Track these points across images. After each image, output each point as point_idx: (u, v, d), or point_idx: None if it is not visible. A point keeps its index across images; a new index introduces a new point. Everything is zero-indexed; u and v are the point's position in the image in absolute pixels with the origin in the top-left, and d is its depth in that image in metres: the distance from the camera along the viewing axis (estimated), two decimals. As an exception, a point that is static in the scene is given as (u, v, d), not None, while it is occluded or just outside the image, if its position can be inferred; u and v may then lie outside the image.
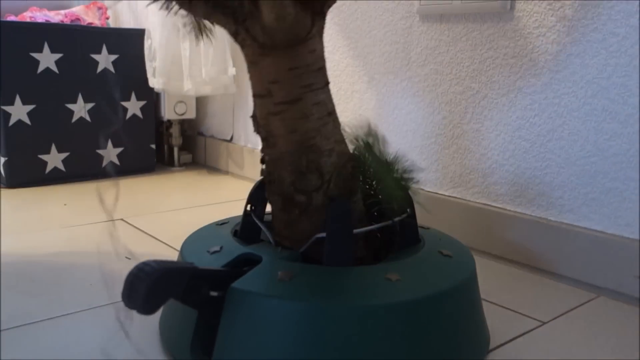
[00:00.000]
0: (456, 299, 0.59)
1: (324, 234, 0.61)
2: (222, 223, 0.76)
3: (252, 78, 0.61)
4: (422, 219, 1.09)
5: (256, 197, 0.69)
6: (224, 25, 0.59)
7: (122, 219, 1.14)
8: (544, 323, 0.74)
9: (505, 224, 0.96)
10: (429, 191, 1.08)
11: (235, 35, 0.59)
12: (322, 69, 0.61)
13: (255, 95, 0.61)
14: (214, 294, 0.55)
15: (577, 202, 0.88)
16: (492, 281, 0.88)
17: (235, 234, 0.70)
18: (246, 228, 0.69)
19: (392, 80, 1.13)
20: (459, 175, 1.04)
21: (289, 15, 0.53)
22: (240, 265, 0.61)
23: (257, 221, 0.69)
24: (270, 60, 0.57)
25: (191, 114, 1.65)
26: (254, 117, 0.64)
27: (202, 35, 0.69)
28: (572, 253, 0.88)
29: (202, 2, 0.57)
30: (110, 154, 1.51)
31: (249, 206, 0.70)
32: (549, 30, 0.88)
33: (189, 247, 0.67)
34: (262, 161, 0.66)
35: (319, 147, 0.60)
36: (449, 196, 1.05)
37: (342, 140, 0.64)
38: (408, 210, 0.69)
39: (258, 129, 0.63)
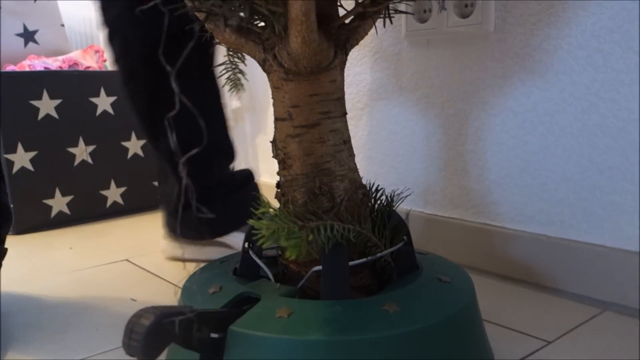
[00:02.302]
0: (455, 327, 0.59)
1: (316, 268, 0.61)
2: (222, 261, 0.76)
3: (275, 102, 0.65)
4: (423, 241, 1.09)
5: (254, 233, 0.70)
6: (254, 54, 0.63)
7: (126, 260, 1.15)
8: (549, 342, 0.74)
9: (506, 242, 0.96)
10: (429, 213, 1.09)
11: (263, 62, 0.63)
12: (340, 99, 0.65)
13: (276, 119, 0.65)
14: (214, 335, 0.56)
15: (577, 218, 0.88)
16: (494, 301, 0.88)
17: (235, 271, 0.71)
18: (245, 265, 0.70)
19: (385, 105, 1.14)
20: (457, 197, 1.04)
21: (314, 42, 0.56)
22: (240, 304, 0.61)
23: (255, 258, 0.69)
24: (293, 85, 0.62)
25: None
26: (273, 141, 0.67)
27: (237, 88, 0.78)
28: (574, 269, 0.88)
29: (235, 34, 0.62)
30: (114, 194, 1.53)
31: (247, 243, 0.70)
32: (535, 49, 0.89)
33: (189, 288, 0.68)
34: (278, 185, 0.68)
35: (332, 171, 0.64)
36: (449, 217, 1.06)
37: (354, 169, 0.67)
38: (404, 238, 0.69)
39: (276, 152, 0.66)
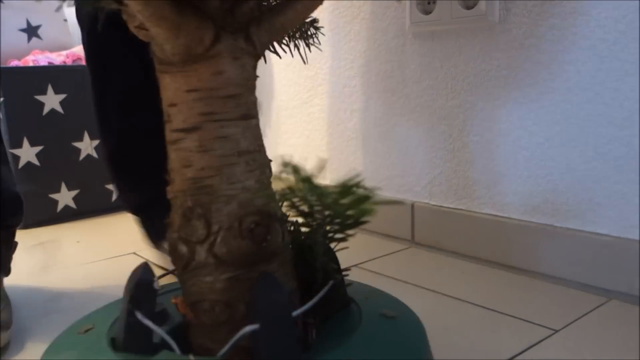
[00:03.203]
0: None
1: (249, 328, 0.46)
2: (87, 329, 0.56)
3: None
4: (429, 232, 1.10)
5: (145, 284, 0.51)
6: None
7: (134, 253, 1.16)
8: (556, 331, 0.75)
9: (512, 232, 0.97)
10: (434, 205, 1.09)
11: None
12: (234, 97, 0.50)
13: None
14: None
15: (582, 207, 0.89)
16: (502, 291, 0.89)
17: (114, 343, 0.51)
18: (131, 333, 0.50)
19: (389, 97, 1.14)
20: (462, 188, 1.05)
21: (164, 19, 0.45)
22: None
23: (145, 321, 0.50)
24: (169, 79, 0.50)
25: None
26: None
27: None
28: (580, 258, 0.89)
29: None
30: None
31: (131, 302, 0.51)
32: (540, 40, 0.90)
33: None
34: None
35: (215, 189, 0.50)
36: (455, 208, 1.06)
37: (254, 190, 0.51)
38: (336, 268, 0.58)
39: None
